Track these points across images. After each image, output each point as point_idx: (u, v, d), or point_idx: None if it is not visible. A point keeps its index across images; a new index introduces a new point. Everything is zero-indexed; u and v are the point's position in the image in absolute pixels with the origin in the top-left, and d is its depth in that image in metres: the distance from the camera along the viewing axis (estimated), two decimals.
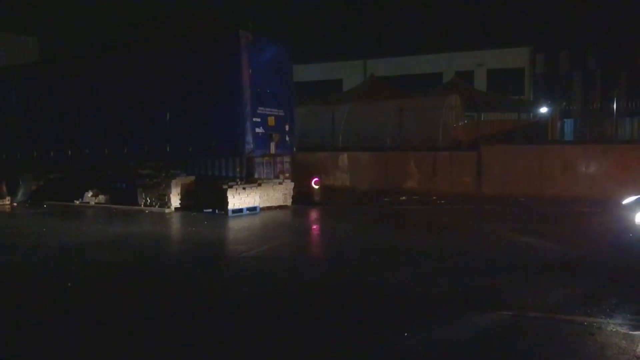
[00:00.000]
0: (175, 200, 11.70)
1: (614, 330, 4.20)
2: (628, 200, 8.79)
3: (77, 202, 13.11)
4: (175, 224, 10.45)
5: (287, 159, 12.92)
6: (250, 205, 11.11)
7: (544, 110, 21.91)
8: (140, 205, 12.03)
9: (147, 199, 12.01)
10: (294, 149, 13.11)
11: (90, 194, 13.15)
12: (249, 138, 11.47)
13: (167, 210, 11.50)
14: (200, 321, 4.64)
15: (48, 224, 10.35)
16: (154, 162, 12.67)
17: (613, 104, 14.95)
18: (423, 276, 6.01)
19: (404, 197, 13.39)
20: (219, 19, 14.42)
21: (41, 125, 14.13)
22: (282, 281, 5.99)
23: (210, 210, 11.12)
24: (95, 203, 12.97)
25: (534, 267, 6.36)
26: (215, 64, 11.65)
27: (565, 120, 23.45)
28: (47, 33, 27.82)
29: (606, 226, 8.91)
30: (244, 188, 11.08)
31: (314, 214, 11.54)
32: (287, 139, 12.61)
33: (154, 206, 11.81)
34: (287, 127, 12.59)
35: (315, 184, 12.61)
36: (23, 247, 8.13)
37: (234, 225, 9.87)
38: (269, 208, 11.52)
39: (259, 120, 11.72)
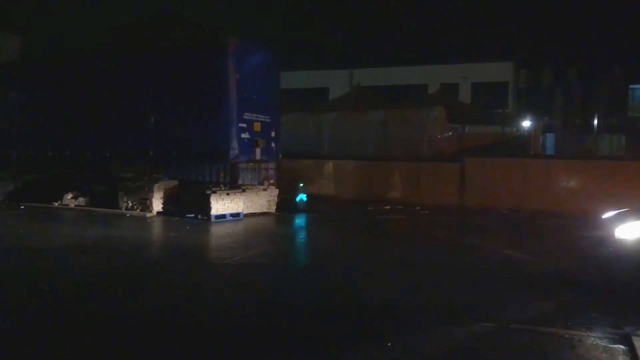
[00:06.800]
0: (157, 205, 11.54)
1: (594, 343, 4.23)
2: (607, 214, 8.91)
3: (56, 204, 12.84)
4: (157, 229, 10.30)
5: (272, 165, 12.86)
6: (234, 211, 11.00)
7: (526, 124, 22.25)
8: (122, 209, 11.83)
9: (129, 202, 11.81)
10: (279, 156, 13.06)
11: (70, 196, 12.87)
12: (234, 143, 11.41)
13: (148, 215, 11.33)
14: (179, 327, 4.55)
15: (25, 226, 10.11)
16: (136, 165, 12.49)
17: (593, 120, 15.24)
18: (405, 286, 6.01)
19: (387, 207, 13.43)
20: (207, 25, 14.39)
21: (22, 125, 13.87)
22: (264, 289, 5.93)
23: (193, 215, 10.98)
24: (75, 206, 12.71)
25: (515, 279, 6.41)
26: (202, 69, 11.59)
27: (547, 134, 23.87)
28: (30, 32, 27.40)
29: (586, 240, 9.04)
30: (227, 194, 10.98)
31: (297, 222, 11.48)
32: (273, 145, 12.56)
33: (136, 210, 11.63)
34: (272, 134, 12.55)
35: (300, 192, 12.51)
36: None
37: (217, 231, 9.76)
38: (252, 214, 11.43)
39: (244, 125, 11.66)
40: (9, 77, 14.35)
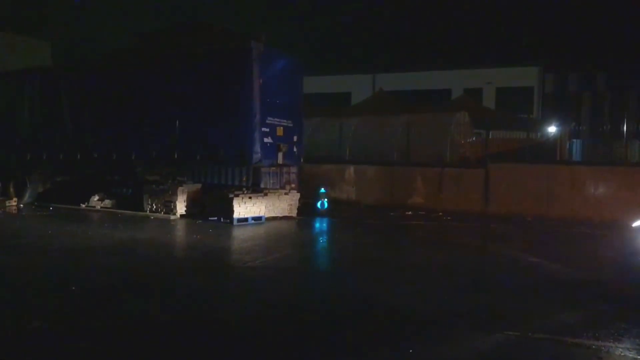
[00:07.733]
0: (181, 208, 11.70)
1: (622, 354, 4.13)
2: (638, 223, 8.69)
3: (83, 205, 13.14)
4: (180, 231, 10.44)
5: (294, 169, 12.91)
6: (256, 214, 11.09)
7: (552, 129, 21.83)
8: (146, 211, 12.03)
9: (153, 205, 12.02)
10: (301, 160, 13.12)
11: (96, 198, 13.17)
12: (257, 148, 11.49)
13: (172, 217, 11.50)
14: (197, 327, 4.60)
15: (53, 227, 10.37)
16: (161, 168, 12.69)
17: (623, 126, 14.86)
18: (427, 293, 5.95)
19: (409, 213, 13.34)
20: (230, 30, 14.52)
21: (52, 128, 14.22)
22: (284, 293, 5.95)
23: (216, 218, 11.10)
24: (101, 207, 12.99)
25: (541, 287, 6.29)
26: (226, 74, 11.72)
27: (573, 140, 23.37)
28: (59, 38, 28.18)
29: (615, 249, 8.81)
30: (250, 197, 11.07)
31: (318, 226, 11.50)
32: (295, 149, 12.62)
33: (160, 212, 11.82)
34: (295, 138, 12.61)
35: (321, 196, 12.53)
36: (28, 249, 8.15)
37: (239, 235, 9.85)
38: (274, 218, 11.49)
39: (267, 130, 11.74)
40: (40, 82, 14.74)
